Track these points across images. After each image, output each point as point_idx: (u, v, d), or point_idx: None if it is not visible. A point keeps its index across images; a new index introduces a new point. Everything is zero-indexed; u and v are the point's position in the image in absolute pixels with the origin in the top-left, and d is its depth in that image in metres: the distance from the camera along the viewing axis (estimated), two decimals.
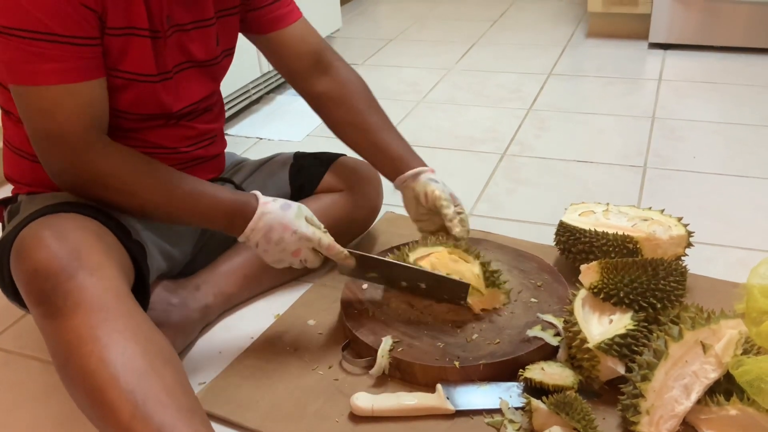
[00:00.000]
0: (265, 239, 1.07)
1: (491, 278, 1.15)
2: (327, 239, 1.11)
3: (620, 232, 1.23)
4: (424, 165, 1.27)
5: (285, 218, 1.08)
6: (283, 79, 2.36)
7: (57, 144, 0.99)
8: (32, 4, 0.92)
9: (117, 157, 1.03)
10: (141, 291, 1.06)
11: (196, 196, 1.06)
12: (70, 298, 0.88)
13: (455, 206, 1.23)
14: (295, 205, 1.10)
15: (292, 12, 1.28)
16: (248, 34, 1.28)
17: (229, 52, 1.23)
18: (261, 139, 2.04)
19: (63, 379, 0.89)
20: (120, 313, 0.89)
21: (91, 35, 0.98)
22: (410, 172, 1.25)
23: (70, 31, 0.95)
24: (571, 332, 1.03)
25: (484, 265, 1.16)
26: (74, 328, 0.87)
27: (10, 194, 1.19)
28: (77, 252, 0.92)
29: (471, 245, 1.21)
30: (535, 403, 0.96)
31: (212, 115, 1.24)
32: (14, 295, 1.04)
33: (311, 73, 1.30)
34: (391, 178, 1.28)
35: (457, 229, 1.21)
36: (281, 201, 1.10)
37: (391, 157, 1.27)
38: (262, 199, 1.09)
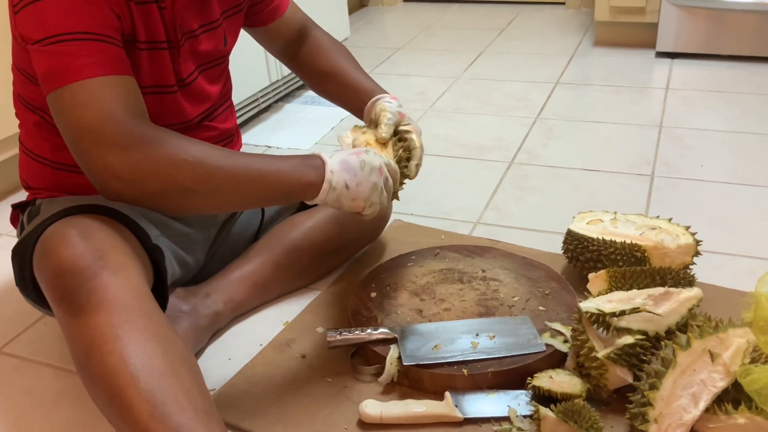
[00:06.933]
0: (349, 172, 1.04)
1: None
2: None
3: (628, 241, 1.23)
4: (387, 93, 1.29)
5: (352, 148, 1.11)
6: (291, 88, 2.40)
7: (105, 136, 0.91)
8: (57, 8, 0.91)
9: (179, 138, 0.96)
10: (159, 294, 1.06)
11: (258, 162, 1.00)
12: (93, 296, 0.89)
13: (406, 124, 1.24)
14: None
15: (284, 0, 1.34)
16: (246, 28, 1.32)
17: (231, 50, 1.27)
18: (270, 147, 2.05)
19: (83, 377, 0.89)
20: (141, 313, 0.90)
21: (114, 35, 0.95)
22: (371, 101, 1.27)
23: (95, 29, 0.92)
24: (579, 341, 1.04)
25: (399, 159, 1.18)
26: (96, 326, 0.88)
27: (24, 199, 1.20)
28: (102, 251, 0.93)
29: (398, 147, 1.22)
30: (544, 411, 0.96)
31: (228, 112, 1.28)
32: (35, 294, 1.04)
33: (297, 42, 1.37)
34: (361, 114, 1.30)
35: (383, 133, 1.20)
36: None
37: (358, 93, 1.30)
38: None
